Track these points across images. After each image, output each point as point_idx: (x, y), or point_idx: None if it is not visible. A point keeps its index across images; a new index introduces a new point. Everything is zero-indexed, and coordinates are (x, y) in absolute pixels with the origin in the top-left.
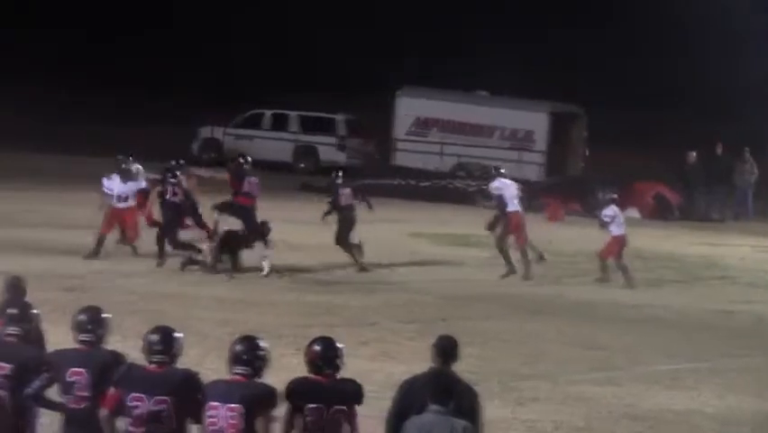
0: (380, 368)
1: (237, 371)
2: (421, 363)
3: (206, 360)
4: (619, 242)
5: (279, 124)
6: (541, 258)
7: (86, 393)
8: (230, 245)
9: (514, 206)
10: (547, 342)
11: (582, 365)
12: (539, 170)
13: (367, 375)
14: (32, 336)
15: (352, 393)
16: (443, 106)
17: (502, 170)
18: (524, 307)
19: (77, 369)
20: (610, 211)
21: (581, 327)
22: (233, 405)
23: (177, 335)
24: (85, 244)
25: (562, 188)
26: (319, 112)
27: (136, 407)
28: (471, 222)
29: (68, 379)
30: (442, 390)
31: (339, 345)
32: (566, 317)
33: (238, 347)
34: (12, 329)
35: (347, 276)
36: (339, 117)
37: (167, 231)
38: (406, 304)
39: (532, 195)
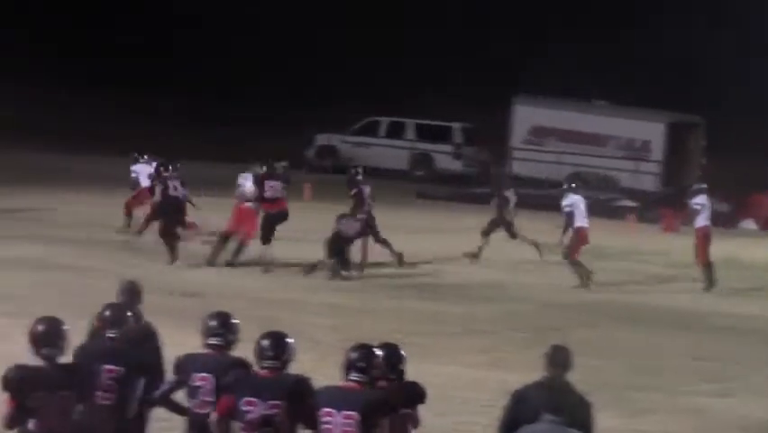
0: (492, 376)
1: (353, 378)
2: (533, 372)
3: (319, 366)
4: (705, 233)
5: (396, 131)
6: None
7: (209, 399)
8: (336, 247)
9: (583, 222)
10: (659, 352)
11: (694, 376)
12: (655, 181)
13: (479, 384)
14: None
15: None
16: (560, 115)
17: (573, 185)
18: (636, 317)
19: (203, 374)
20: (701, 199)
21: (692, 337)
22: (349, 412)
23: (288, 340)
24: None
25: (678, 199)
26: (435, 120)
27: (249, 411)
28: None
29: (193, 384)
30: (556, 400)
31: (402, 351)
32: (677, 327)
33: (354, 355)
34: (112, 333)
35: (454, 284)
36: (455, 125)
37: (167, 225)
38: (523, 314)
39: (647, 205)
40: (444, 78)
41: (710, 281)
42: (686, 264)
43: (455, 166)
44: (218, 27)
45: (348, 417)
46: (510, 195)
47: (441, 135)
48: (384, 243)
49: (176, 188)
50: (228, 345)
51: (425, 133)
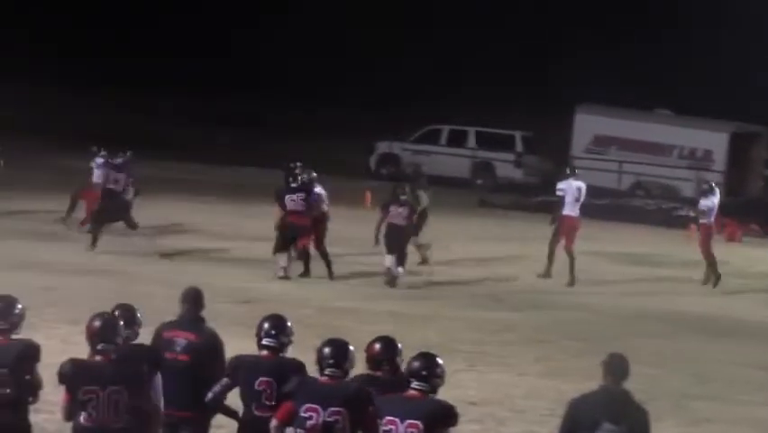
0: (552, 386)
1: (415, 386)
2: (592, 381)
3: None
4: (707, 231)
5: (457, 139)
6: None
7: (272, 403)
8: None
9: (570, 209)
10: (718, 362)
11: (754, 386)
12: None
13: (535, 393)
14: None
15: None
16: (622, 124)
17: (577, 172)
18: (695, 326)
19: (265, 378)
20: (710, 202)
21: (751, 346)
22: (413, 421)
23: (350, 348)
24: (257, 256)
25: (741, 209)
26: (497, 128)
27: (310, 418)
28: (649, 241)
29: (256, 388)
30: (615, 409)
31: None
32: (737, 336)
33: (416, 363)
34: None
35: (520, 293)
36: (517, 134)
37: (98, 213)
38: (579, 322)
39: None
40: (504, 86)
41: (716, 278)
42: (747, 274)
43: (516, 174)
44: (274, 26)
45: (412, 425)
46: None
47: (502, 144)
48: (323, 254)
49: (116, 181)
50: (282, 347)
51: (486, 142)
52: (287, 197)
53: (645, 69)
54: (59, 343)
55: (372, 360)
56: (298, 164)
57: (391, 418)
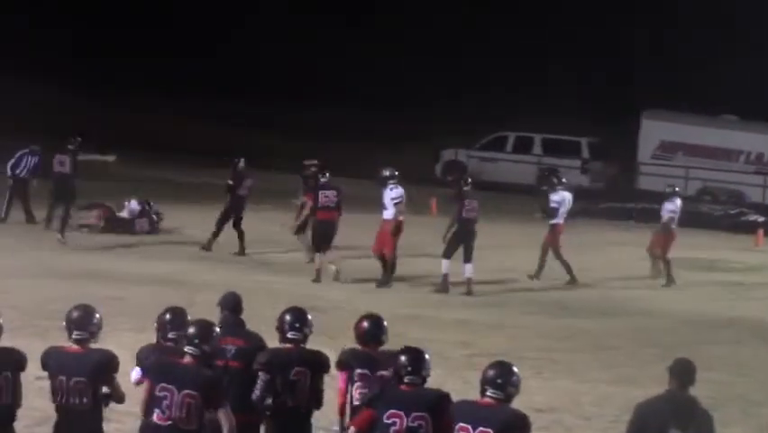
0: (621, 392)
1: (490, 394)
2: (660, 387)
3: (448, 382)
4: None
5: (523, 146)
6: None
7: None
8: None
9: (562, 218)
10: None
11: None
12: None
13: (604, 399)
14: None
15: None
16: (688, 130)
17: (564, 180)
18: (763, 332)
19: (299, 368)
20: (673, 206)
21: None
22: (485, 429)
23: (426, 356)
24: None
25: None
26: (563, 135)
27: (393, 424)
28: (717, 246)
29: (291, 378)
30: (681, 414)
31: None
32: None
33: (492, 372)
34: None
35: (587, 299)
36: (583, 140)
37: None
38: (647, 329)
39: None
40: (569, 93)
41: (669, 278)
42: None
43: (582, 181)
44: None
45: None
46: None
47: (568, 150)
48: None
49: (62, 164)
50: (305, 338)
51: (552, 148)
52: (320, 192)
53: (708, 74)
54: (129, 352)
55: (360, 337)
56: (314, 162)
57: (464, 424)
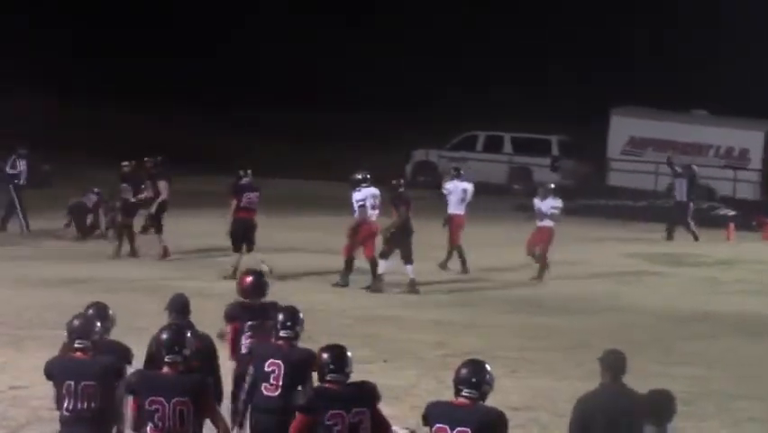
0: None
1: (465, 394)
2: (636, 383)
3: (422, 382)
4: (548, 233)
5: (493, 145)
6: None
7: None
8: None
9: (456, 208)
10: (760, 361)
11: None
12: (755, 189)
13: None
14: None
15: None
16: (657, 126)
17: (462, 171)
18: (736, 326)
19: (274, 360)
20: (558, 203)
21: None
22: (463, 428)
23: (349, 354)
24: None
25: None
26: (533, 133)
27: (336, 424)
28: (687, 241)
29: (266, 370)
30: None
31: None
32: None
33: (465, 370)
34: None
35: (561, 297)
36: (553, 138)
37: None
38: (620, 325)
39: (746, 214)
40: (537, 91)
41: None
42: None
43: (553, 178)
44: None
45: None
46: None
47: (539, 148)
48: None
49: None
50: (296, 336)
51: (522, 147)
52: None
53: (678, 69)
54: None
55: (243, 292)
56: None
57: (441, 425)
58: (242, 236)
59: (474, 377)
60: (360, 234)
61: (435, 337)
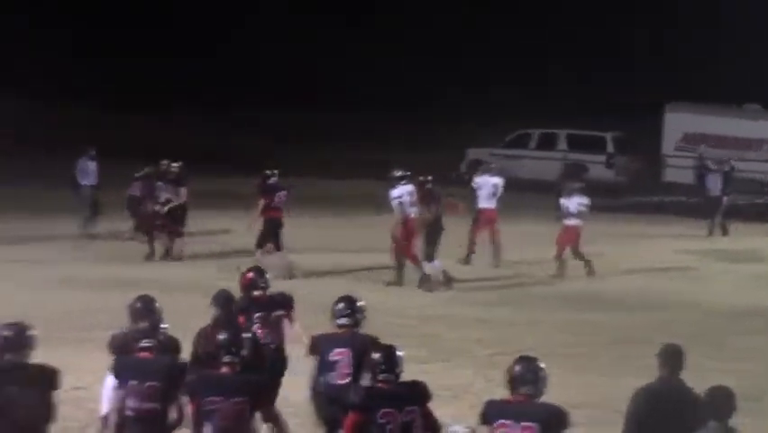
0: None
1: (523, 391)
2: (691, 378)
3: (477, 380)
4: (575, 232)
5: (547, 143)
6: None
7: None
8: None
9: (486, 203)
10: None
11: None
12: None
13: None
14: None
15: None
16: (711, 121)
17: (492, 166)
18: None
19: (340, 349)
20: (585, 200)
21: None
22: (528, 424)
23: (399, 354)
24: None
25: None
26: (587, 130)
27: (388, 422)
28: (742, 236)
29: (331, 359)
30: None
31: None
32: None
33: (519, 368)
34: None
35: (610, 293)
36: (608, 135)
37: None
38: (672, 321)
39: None
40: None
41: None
42: None
43: (608, 176)
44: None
45: (527, 428)
46: None
47: (593, 145)
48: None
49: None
50: (356, 324)
51: (576, 144)
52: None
53: (728, 64)
54: None
55: (244, 287)
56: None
57: (505, 421)
58: (274, 235)
59: (530, 374)
60: (404, 233)
61: (481, 335)
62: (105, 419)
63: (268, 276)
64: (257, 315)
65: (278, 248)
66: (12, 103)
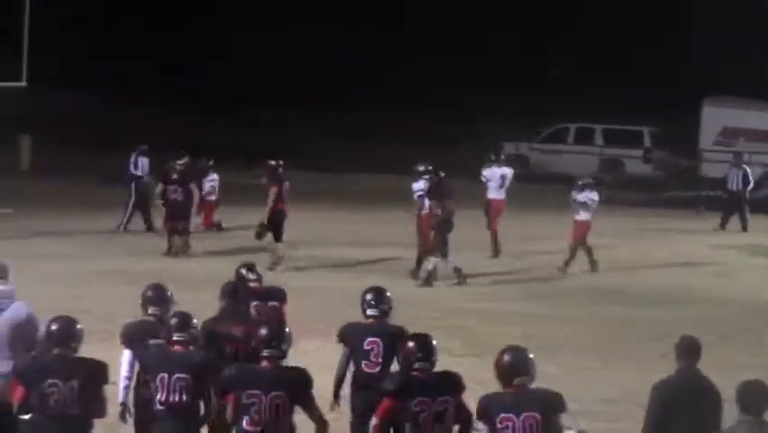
0: None
1: (516, 381)
2: (721, 373)
3: None
4: (584, 226)
5: (585, 137)
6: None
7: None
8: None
9: (495, 194)
10: None
11: None
12: None
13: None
14: None
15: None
16: (750, 116)
17: (492, 158)
18: None
19: (371, 339)
20: (594, 195)
21: None
22: (529, 413)
23: (434, 342)
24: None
25: None
26: (624, 125)
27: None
28: None
29: (364, 348)
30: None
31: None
32: None
33: (509, 359)
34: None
35: (645, 288)
36: (645, 129)
37: None
38: (708, 316)
39: None
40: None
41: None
42: None
43: (645, 170)
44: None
45: (529, 418)
46: None
47: (630, 140)
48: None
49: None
50: (384, 314)
51: (613, 138)
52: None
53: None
54: None
55: (239, 280)
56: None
57: (507, 415)
58: (278, 226)
59: (521, 363)
60: (425, 226)
61: (522, 330)
62: (124, 405)
63: (259, 270)
64: (253, 303)
65: (277, 239)
66: (72, 98)
